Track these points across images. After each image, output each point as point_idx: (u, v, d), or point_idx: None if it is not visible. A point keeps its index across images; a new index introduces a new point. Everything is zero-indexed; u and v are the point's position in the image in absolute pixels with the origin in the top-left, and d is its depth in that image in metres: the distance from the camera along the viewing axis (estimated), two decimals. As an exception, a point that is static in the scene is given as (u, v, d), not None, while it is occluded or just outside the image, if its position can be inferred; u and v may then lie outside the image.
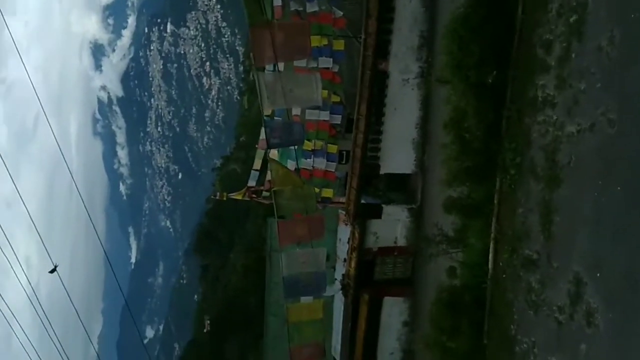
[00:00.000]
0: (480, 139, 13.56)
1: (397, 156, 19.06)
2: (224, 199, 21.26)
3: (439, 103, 16.87)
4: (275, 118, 17.95)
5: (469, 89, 13.60)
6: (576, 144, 11.74)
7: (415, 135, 18.78)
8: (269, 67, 15.02)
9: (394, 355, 19.68)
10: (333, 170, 19.15)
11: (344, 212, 19.16)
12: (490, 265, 14.24)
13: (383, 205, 19.10)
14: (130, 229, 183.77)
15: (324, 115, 18.63)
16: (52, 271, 14.31)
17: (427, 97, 18.28)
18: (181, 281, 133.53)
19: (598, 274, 10.71)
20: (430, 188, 18.15)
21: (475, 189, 14.18)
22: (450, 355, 14.96)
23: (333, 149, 19.04)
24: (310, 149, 18.85)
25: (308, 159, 18.91)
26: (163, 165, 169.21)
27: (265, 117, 12.74)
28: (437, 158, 16.39)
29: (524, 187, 13.11)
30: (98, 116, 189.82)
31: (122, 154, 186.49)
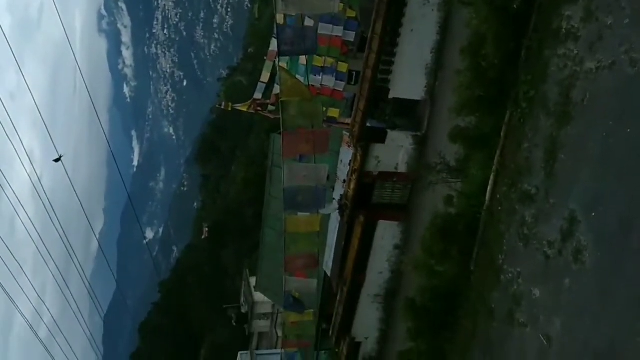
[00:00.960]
0: (496, 68, 13.16)
1: (408, 81, 18.61)
2: (229, 109, 21.07)
3: (458, 27, 16.20)
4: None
5: (492, 14, 12.98)
6: (593, 82, 11.41)
7: (430, 61, 18.22)
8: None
9: (382, 274, 20.46)
10: (341, 90, 18.79)
11: (348, 134, 19.05)
12: (487, 197, 14.40)
13: (388, 130, 18.95)
14: (134, 133, 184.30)
15: (337, 31, 17.95)
16: (57, 160, 14.39)
17: (447, 20, 17.52)
18: (182, 188, 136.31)
19: (593, 214, 10.84)
20: (438, 116, 17.92)
21: (484, 120, 13.99)
22: (437, 278, 15.53)
23: (343, 67, 18.54)
24: (320, 65, 18.36)
25: (317, 76, 18.49)
26: (168, 70, 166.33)
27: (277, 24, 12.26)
28: (449, 85, 16.01)
29: (534, 121, 12.93)
30: (104, 12, 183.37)
31: (127, 54, 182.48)
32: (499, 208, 13.98)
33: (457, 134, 14.73)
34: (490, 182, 14.29)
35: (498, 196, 14.05)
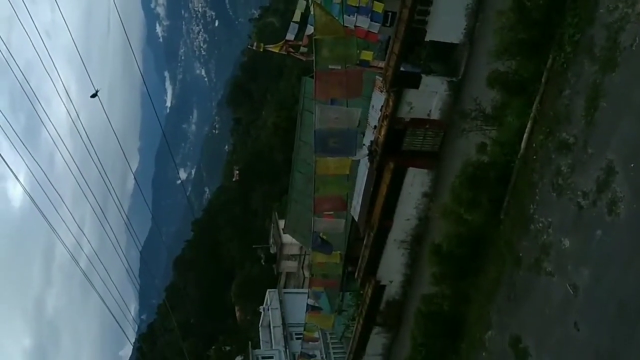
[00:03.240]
0: (541, 8, 12.45)
1: (447, 22, 17.78)
2: (261, 49, 20.79)
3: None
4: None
5: (539, -50, 12.17)
6: (645, 25, 10.74)
7: (471, 0, 17.36)
8: None
9: (409, 221, 20.54)
10: (376, 32, 18.14)
11: (380, 78, 18.61)
12: (522, 145, 14.04)
13: (422, 75, 18.40)
14: (166, 73, 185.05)
15: (374, -33, 17.18)
16: (93, 95, 14.57)
17: (491, -43, 16.51)
18: (213, 131, 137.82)
19: (632, 165, 10.51)
20: (476, 61, 17.26)
21: (525, 64, 13.40)
22: (464, 226, 15.51)
23: (379, 7, 17.83)
24: (354, 5, 17.70)
25: (351, 16, 17.87)
26: (200, 10, 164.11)
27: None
28: (490, 27, 15.30)
29: (577, 67, 12.34)
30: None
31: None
32: (534, 157, 13.66)
33: (495, 79, 14.19)
34: (527, 130, 13.89)
35: (534, 145, 13.69)
